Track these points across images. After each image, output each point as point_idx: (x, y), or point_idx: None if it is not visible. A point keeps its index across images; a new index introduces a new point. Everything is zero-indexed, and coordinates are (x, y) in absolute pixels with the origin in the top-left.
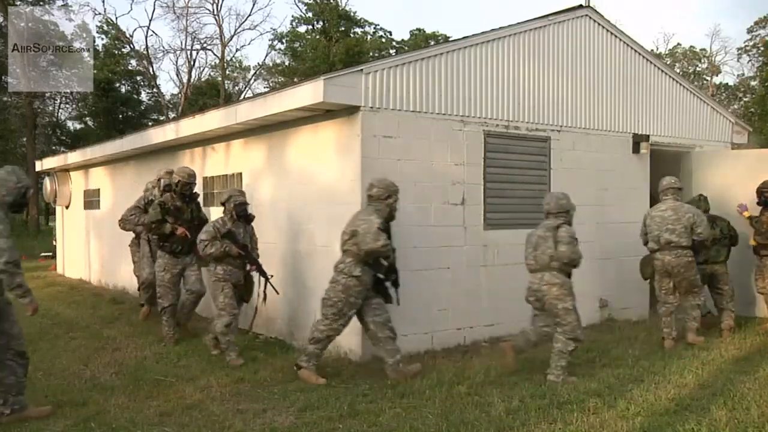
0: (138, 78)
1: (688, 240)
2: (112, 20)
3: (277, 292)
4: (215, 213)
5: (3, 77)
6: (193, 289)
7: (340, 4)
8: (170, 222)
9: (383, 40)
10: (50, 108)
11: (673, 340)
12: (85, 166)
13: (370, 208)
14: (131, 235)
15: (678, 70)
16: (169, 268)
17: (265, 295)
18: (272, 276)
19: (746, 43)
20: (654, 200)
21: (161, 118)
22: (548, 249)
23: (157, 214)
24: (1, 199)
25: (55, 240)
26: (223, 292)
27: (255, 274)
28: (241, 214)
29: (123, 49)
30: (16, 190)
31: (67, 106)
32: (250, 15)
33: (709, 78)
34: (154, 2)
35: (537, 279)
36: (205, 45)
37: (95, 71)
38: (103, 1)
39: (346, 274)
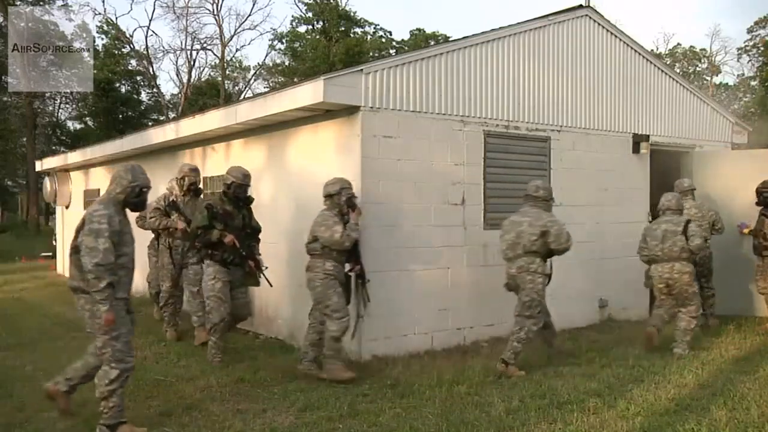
0: (138, 78)
1: (709, 234)
2: (112, 20)
3: (368, 300)
4: None
5: (3, 77)
6: (241, 313)
7: (340, 4)
8: (218, 228)
9: (383, 40)
10: (50, 108)
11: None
12: (85, 166)
13: (540, 209)
14: (142, 234)
15: (678, 70)
16: (220, 276)
17: (366, 298)
18: (369, 281)
19: (746, 43)
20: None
21: (161, 118)
22: (679, 241)
23: (204, 219)
24: (114, 197)
25: (55, 240)
26: (336, 292)
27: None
28: (353, 208)
29: (123, 49)
30: (129, 189)
31: (67, 106)
32: (250, 15)
33: (709, 78)
34: (154, 2)
35: (668, 268)
36: (205, 45)
37: (95, 71)
38: (103, 1)
39: (540, 273)
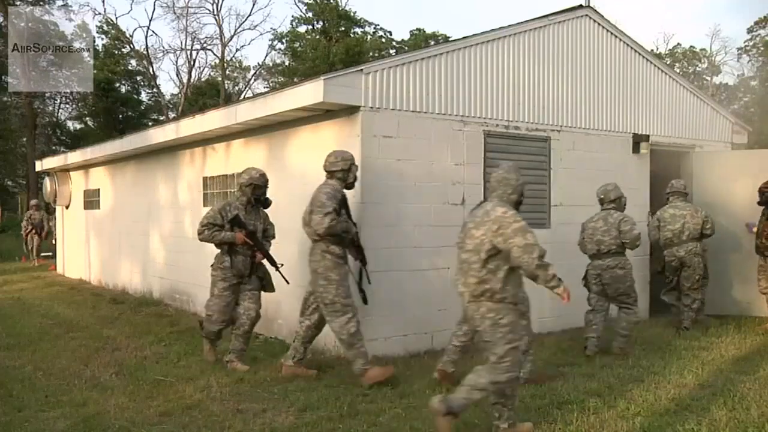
0: (138, 78)
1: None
2: (112, 20)
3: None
4: None
5: (3, 77)
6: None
7: (340, 4)
8: None
9: (383, 40)
10: (50, 108)
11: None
12: (85, 166)
13: (689, 202)
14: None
15: (678, 70)
16: None
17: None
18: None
19: (746, 43)
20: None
21: (161, 118)
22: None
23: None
24: (507, 198)
25: (54, 240)
26: None
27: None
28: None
29: (123, 49)
30: (519, 187)
31: (67, 106)
32: (250, 15)
33: (709, 78)
34: (154, 2)
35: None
36: (205, 45)
37: (95, 71)
38: (103, 1)
39: (701, 254)
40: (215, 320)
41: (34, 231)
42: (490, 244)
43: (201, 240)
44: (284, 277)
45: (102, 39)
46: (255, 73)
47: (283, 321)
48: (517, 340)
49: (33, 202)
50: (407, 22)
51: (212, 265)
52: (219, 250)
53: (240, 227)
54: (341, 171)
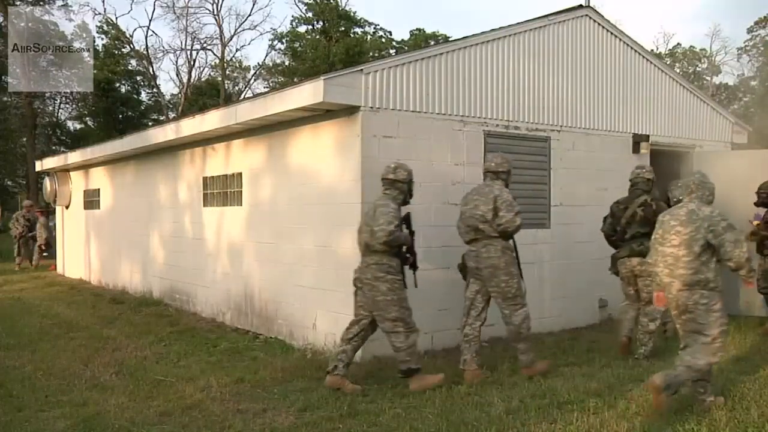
0: (138, 78)
1: None
2: (112, 20)
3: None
4: (211, 214)
5: (3, 77)
6: None
7: (340, 4)
8: None
9: (383, 40)
10: (50, 108)
11: None
12: (85, 166)
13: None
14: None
15: (678, 70)
16: None
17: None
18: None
19: (746, 43)
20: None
21: (161, 118)
22: None
23: None
24: (705, 199)
25: (52, 243)
26: None
27: None
28: None
29: (123, 49)
30: (714, 190)
31: (67, 106)
32: (250, 15)
33: (709, 78)
34: (154, 2)
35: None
36: (205, 45)
37: (95, 71)
38: (103, 1)
39: None
40: (413, 327)
41: (29, 233)
42: (704, 239)
43: (391, 243)
44: (415, 281)
45: (102, 39)
46: (255, 73)
47: (283, 321)
48: (727, 324)
49: (26, 202)
50: (407, 22)
51: (386, 272)
52: (377, 254)
53: (408, 227)
54: (506, 173)
